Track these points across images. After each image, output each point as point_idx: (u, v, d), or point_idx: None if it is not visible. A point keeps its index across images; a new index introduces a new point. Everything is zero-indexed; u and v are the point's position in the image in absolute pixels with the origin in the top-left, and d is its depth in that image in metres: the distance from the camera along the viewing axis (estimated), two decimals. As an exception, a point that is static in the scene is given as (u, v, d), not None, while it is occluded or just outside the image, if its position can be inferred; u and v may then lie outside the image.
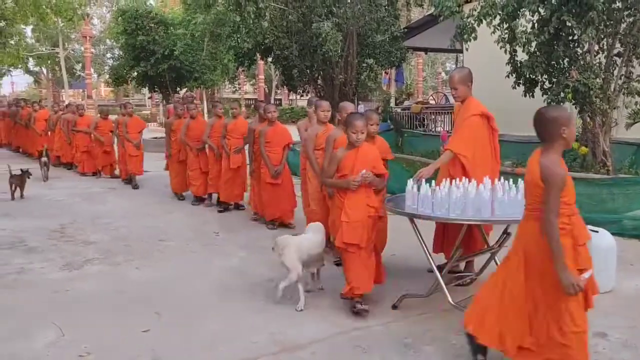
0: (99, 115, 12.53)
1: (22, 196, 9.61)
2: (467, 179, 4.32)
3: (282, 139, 7.16)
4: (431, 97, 23.29)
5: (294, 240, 4.60)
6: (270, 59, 15.00)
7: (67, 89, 39.27)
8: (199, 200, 9.00)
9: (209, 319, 4.30)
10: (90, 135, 12.15)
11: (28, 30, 35.26)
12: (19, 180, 9.54)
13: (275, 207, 7.17)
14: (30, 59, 37.66)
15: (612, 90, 8.03)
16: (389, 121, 15.44)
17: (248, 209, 8.16)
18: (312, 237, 4.72)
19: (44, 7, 19.66)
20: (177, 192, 9.53)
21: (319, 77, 13.48)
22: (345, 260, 4.31)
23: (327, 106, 5.89)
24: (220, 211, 8.34)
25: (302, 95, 15.72)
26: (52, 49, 37.53)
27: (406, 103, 21.01)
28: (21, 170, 9.68)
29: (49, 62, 39.82)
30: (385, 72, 19.62)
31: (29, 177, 9.77)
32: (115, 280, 5.28)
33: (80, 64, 40.50)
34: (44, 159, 11.49)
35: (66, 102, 17.34)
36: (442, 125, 16.58)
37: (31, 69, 42.48)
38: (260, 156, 7.25)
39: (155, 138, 16.07)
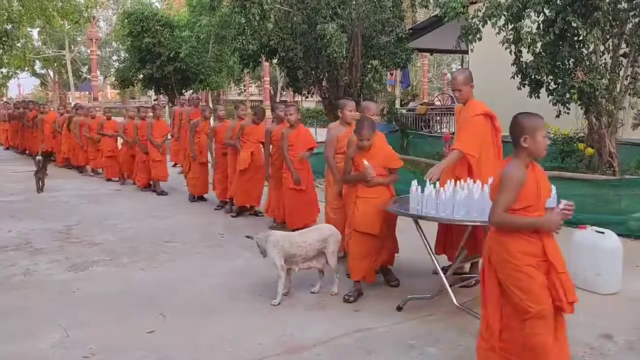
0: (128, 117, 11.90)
1: (42, 188, 10.58)
2: (472, 180, 4.32)
3: (304, 143, 6.72)
4: (437, 98, 23.26)
5: (273, 236, 4.67)
6: (275, 61, 15.01)
7: (73, 92, 39.42)
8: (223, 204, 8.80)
9: (214, 320, 4.31)
10: (115, 139, 11.89)
11: (34, 32, 35.40)
12: (42, 174, 10.61)
13: (299, 215, 6.67)
14: (37, 61, 37.80)
15: (618, 90, 8.00)
16: (394, 122, 15.42)
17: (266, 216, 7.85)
18: (297, 235, 4.77)
19: (50, 9, 19.71)
20: (195, 194, 9.44)
21: (324, 79, 13.46)
22: None
23: (353, 105, 5.57)
24: (234, 216, 8.14)
25: (307, 97, 15.70)
26: (59, 52, 37.67)
27: (411, 104, 20.97)
28: (42, 166, 10.72)
29: (55, 64, 39.97)
30: (390, 74, 19.58)
31: (46, 175, 10.94)
32: (121, 282, 5.30)
33: (87, 67, 40.63)
34: (39, 157, 11.61)
35: (72, 104, 17.32)
36: (448, 127, 16.55)
37: (38, 72, 42.64)
38: (277, 160, 6.98)
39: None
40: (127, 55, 24.52)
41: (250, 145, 7.86)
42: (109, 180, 11.97)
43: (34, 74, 42.12)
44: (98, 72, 34.59)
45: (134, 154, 10.97)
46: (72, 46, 38.36)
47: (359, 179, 4.63)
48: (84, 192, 10.60)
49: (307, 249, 4.66)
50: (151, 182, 10.54)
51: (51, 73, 43.65)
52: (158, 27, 20.41)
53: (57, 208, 9.07)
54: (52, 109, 17.09)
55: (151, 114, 10.68)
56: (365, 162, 4.50)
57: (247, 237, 4.90)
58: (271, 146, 7.33)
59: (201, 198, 9.50)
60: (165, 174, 10.47)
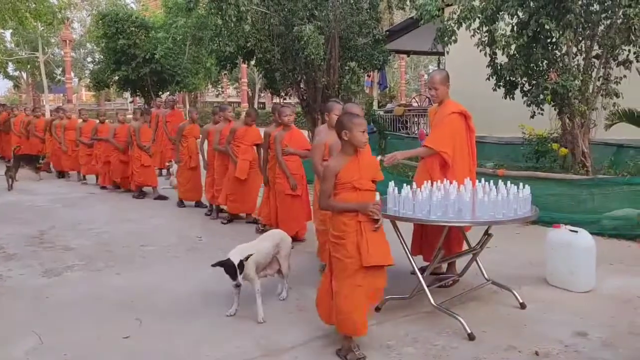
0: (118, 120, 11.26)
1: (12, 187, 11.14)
2: (447, 180, 4.36)
3: (299, 146, 6.41)
4: (414, 100, 23.40)
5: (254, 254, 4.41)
6: (252, 63, 14.97)
7: (47, 94, 38.82)
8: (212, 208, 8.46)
9: (191, 324, 4.27)
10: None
11: (7, 34, 34.84)
12: (13, 173, 11.25)
13: (294, 221, 6.38)
14: (10, 63, 37.22)
15: (591, 91, 8.13)
16: (372, 124, 15.48)
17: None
18: (257, 244, 4.65)
19: (22, 11, 19.40)
20: (184, 199, 9.05)
21: (302, 80, 13.46)
22: None
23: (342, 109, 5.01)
24: (224, 223, 7.80)
25: (284, 99, 15.68)
26: (32, 53, 37.09)
27: (389, 106, 21.08)
28: (13, 165, 11.41)
29: (28, 66, 39.35)
30: (367, 75, 19.67)
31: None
32: (96, 287, 5.22)
33: (61, 68, 40.12)
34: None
35: (55, 106, 16.84)
36: (425, 128, 16.67)
37: (10, 74, 41.91)
38: (275, 165, 6.58)
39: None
40: (101, 56, 24.23)
41: (245, 150, 7.52)
42: (103, 188, 11.18)
43: (7, 76, 41.43)
44: (72, 74, 34.17)
45: (126, 160, 10.42)
46: (46, 48, 37.79)
47: (358, 210, 3.57)
48: (58, 196, 10.43)
49: (266, 257, 4.63)
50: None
51: (24, 75, 42.97)
52: (133, 29, 20.24)
53: (32, 212, 8.91)
54: (22, 110, 16.74)
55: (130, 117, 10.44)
56: (378, 197, 3.72)
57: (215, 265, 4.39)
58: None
59: (198, 204, 9.01)
60: (154, 179, 10.13)
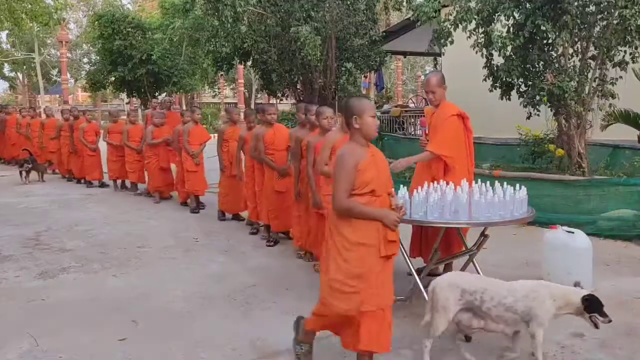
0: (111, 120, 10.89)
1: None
2: (446, 181, 4.36)
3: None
4: (411, 101, 23.41)
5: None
6: (249, 63, 14.97)
7: (43, 95, 38.70)
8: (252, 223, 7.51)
9: (188, 326, 4.25)
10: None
11: (3, 35, 34.77)
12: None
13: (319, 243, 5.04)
14: (6, 64, 37.12)
15: (587, 92, 8.14)
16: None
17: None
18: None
19: (19, 12, 19.38)
20: (225, 211, 8.17)
21: (299, 81, 13.47)
22: None
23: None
24: (270, 245, 6.66)
25: (281, 100, 15.68)
26: (28, 54, 36.99)
27: (386, 107, 21.08)
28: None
29: (24, 67, 39.24)
30: (364, 76, 19.69)
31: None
32: (92, 289, 5.21)
33: (57, 69, 39.97)
34: None
35: (68, 107, 16.56)
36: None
37: (6, 75, 41.80)
38: (306, 175, 5.62)
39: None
40: (98, 57, 24.21)
41: (282, 156, 6.48)
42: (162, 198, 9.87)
43: (3, 77, 41.33)
44: (68, 75, 34.06)
45: (165, 167, 9.72)
46: (42, 49, 37.69)
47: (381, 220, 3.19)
48: (54, 198, 10.41)
49: None
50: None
51: (20, 76, 42.83)
52: (129, 30, 20.25)
53: (27, 214, 8.88)
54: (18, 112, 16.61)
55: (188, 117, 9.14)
56: (398, 200, 3.53)
57: None
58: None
59: (236, 217, 8.15)
60: (201, 187, 8.99)
